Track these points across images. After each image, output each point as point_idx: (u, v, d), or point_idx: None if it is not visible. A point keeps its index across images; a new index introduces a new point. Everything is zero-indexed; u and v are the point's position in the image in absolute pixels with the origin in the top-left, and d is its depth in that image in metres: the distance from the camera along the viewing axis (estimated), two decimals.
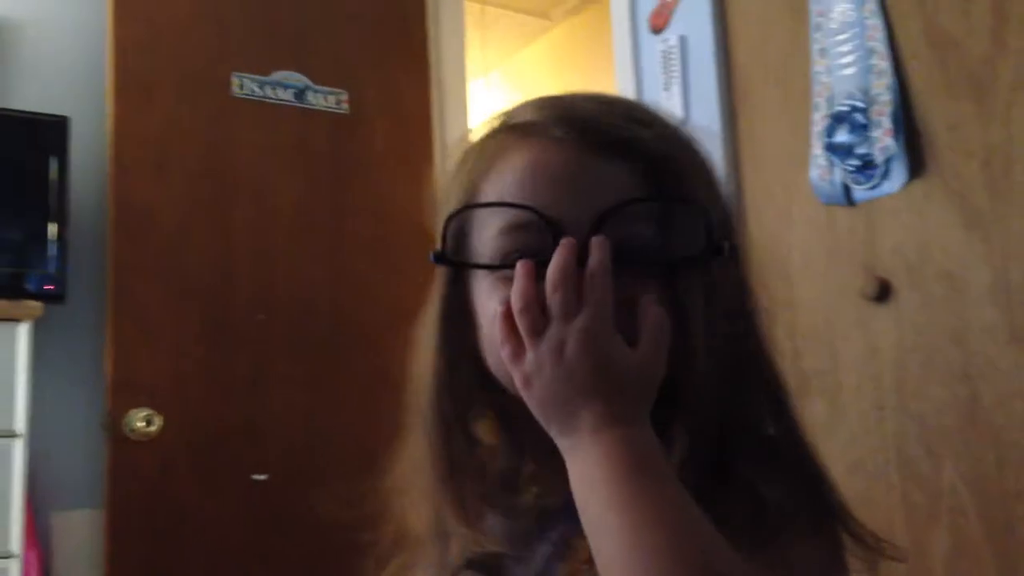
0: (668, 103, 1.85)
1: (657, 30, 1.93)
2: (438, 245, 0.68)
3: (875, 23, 1.48)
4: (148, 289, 2.16)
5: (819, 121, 1.55)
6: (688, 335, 0.62)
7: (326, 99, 2.46)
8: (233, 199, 2.30)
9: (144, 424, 2.08)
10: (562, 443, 0.59)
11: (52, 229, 2.09)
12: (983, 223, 1.33)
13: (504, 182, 0.65)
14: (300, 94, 2.43)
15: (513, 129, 0.67)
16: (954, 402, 1.34)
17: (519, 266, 0.61)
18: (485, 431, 0.71)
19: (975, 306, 1.33)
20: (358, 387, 2.35)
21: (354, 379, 2.35)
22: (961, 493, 1.32)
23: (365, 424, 2.33)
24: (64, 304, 2.11)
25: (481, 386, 0.68)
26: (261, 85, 2.38)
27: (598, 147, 0.63)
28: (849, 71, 1.51)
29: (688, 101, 1.84)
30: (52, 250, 2.08)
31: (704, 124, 1.73)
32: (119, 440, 2.07)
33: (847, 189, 1.51)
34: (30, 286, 2.03)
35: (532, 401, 0.60)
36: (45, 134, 2.15)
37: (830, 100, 1.53)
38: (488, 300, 0.65)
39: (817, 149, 1.55)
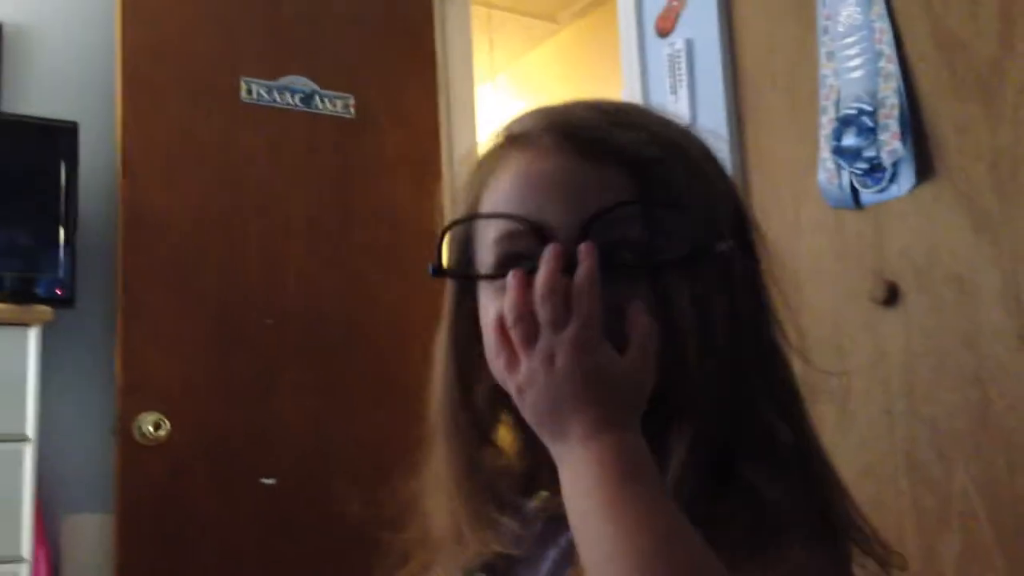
0: (675, 107, 1.85)
1: (664, 33, 1.93)
2: (438, 257, 0.70)
3: (882, 26, 1.48)
4: (157, 293, 2.17)
5: (826, 124, 1.55)
6: (678, 339, 0.62)
7: (333, 103, 2.47)
8: (241, 203, 2.31)
9: (154, 428, 2.09)
10: (554, 450, 0.60)
11: (62, 234, 2.10)
12: (992, 225, 1.33)
13: (500, 192, 0.66)
14: (308, 99, 2.43)
15: (510, 140, 0.69)
16: (964, 406, 1.34)
17: (510, 277, 0.62)
18: (503, 436, 0.71)
19: (985, 309, 1.33)
20: (366, 392, 2.35)
21: (362, 384, 2.36)
22: (972, 497, 1.32)
23: (373, 428, 2.33)
24: (74, 308, 2.12)
25: (494, 392, 0.68)
26: (269, 90, 2.38)
27: (586, 153, 0.64)
28: (856, 74, 1.51)
29: (695, 105, 1.84)
30: (62, 255, 2.09)
31: (711, 128, 1.72)
32: (129, 444, 2.08)
33: (855, 192, 1.51)
34: (40, 291, 2.04)
35: (526, 409, 0.61)
36: (55, 139, 2.16)
37: (837, 103, 1.53)
38: (488, 309, 0.66)
39: (825, 152, 1.55)
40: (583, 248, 0.60)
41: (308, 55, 2.45)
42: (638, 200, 0.63)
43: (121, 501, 2.07)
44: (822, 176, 1.55)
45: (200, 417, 2.17)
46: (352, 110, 2.49)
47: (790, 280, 0.70)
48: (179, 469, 2.12)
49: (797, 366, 0.69)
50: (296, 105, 2.42)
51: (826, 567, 0.60)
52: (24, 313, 1.92)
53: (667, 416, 0.63)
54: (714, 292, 0.64)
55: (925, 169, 1.41)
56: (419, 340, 2.63)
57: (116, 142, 2.21)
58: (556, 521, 0.68)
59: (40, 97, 2.31)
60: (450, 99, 2.70)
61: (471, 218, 0.69)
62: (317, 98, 2.45)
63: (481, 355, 0.68)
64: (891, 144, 1.44)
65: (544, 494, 0.70)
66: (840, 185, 1.52)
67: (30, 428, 1.87)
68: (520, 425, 0.70)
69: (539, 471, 0.70)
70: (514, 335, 0.61)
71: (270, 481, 2.20)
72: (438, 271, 0.70)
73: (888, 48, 1.46)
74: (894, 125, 1.44)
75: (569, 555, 0.66)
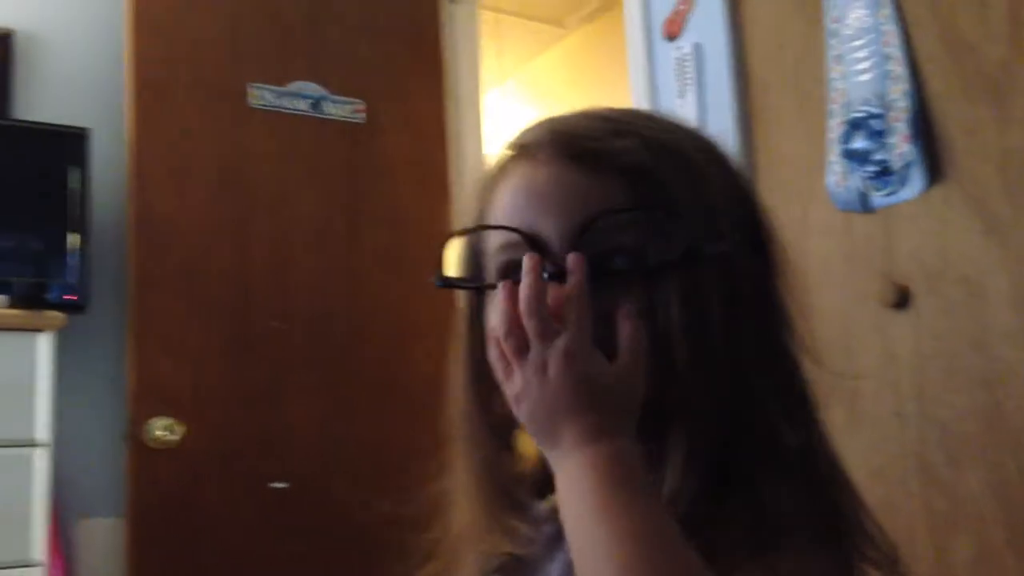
0: (683, 110, 1.85)
1: (671, 37, 1.93)
2: (445, 268, 0.71)
3: (891, 28, 1.48)
4: (168, 298, 2.17)
5: (835, 127, 1.55)
6: (669, 344, 0.63)
7: (342, 109, 2.47)
8: (250, 209, 2.32)
9: (165, 433, 2.10)
10: (550, 457, 0.61)
11: (73, 240, 2.11)
12: (1001, 228, 1.33)
13: (501, 203, 0.68)
14: (316, 104, 2.44)
15: (514, 151, 0.70)
16: (975, 408, 1.33)
17: (500, 289, 0.63)
18: (526, 439, 0.72)
19: (995, 312, 1.32)
20: (374, 395, 2.36)
21: (370, 387, 2.36)
22: (983, 499, 1.31)
23: (381, 431, 2.34)
24: (85, 314, 2.13)
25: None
26: (278, 95, 2.39)
27: (581, 162, 0.65)
28: (865, 77, 1.51)
29: (703, 108, 1.84)
30: (73, 260, 2.10)
31: (719, 131, 1.73)
32: (140, 449, 2.08)
33: (864, 195, 1.51)
34: (52, 296, 2.05)
35: (522, 418, 0.62)
36: (66, 146, 2.17)
37: (846, 106, 1.53)
38: (491, 317, 0.67)
39: (833, 155, 1.55)
40: (571, 259, 0.62)
41: (317, 61, 2.46)
42: (628, 207, 0.64)
43: (133, 505, 2.07)
44: (831, 179, 1.55)
45: (211, 421, 2.17)
46: (360, 115, 2.50)
47: (799, 283, 0.70)
48: (190, 473, 2.12)
49: (810, 369, 0.69)
50: (305, 110, 2.43)
51: (828, 570, 0.60)
52: (36, 319, 1.93)
53: (665, 420, 0.64)
54: (711, 295, 0.64)
55: (934, 172, 1.41)
56: (426, 344, 2.65)
57: (126, 148, 2.22)
58: None
59: (51, 104, 2.32)
60: (458, 104, 2.70)
61: (471, 230, 0.71)
62: (326, 103, 2.45)
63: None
64: (900, 147, 1.44)
65: (554, 497, 0.71)
66: (849, 188, 1.52)
67: (43, 433, 1.88)
68: None
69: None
70: (506, 347, 0.62)
71: (281, 485, 2.21)
72: (443, 281, 0.71)
73: (897, 51, 1.46)
74: (903, 128, 1.43)
75: None
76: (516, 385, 0.62)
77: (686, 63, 1.88)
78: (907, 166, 1.43)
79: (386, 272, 2.43)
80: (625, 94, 2.09)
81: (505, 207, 0.68)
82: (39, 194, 2.14)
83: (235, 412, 2.21)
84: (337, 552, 2.23)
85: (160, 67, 2.26)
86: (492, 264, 0.69)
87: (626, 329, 0.61)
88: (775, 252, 0.70)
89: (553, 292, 0.62)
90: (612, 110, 0.71)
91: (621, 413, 0.60)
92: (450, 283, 0.72)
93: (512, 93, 3.93)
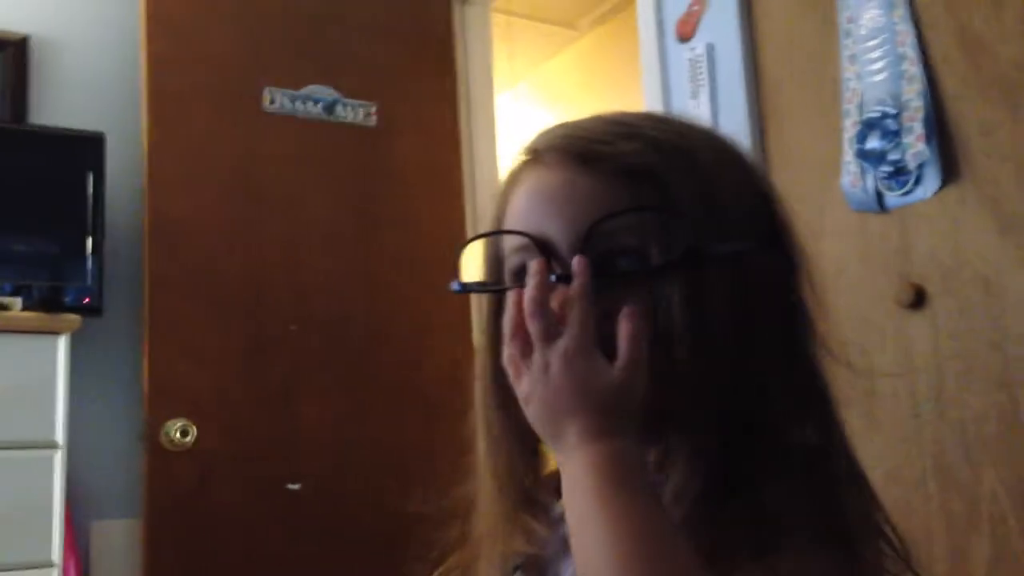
0: (696, 112, 1.85)
1: (684, 38, 1.93)
2: (462, 273, 0.73)
3: (905, 28, 1.47)
4: (183, 301, 2.19)
5: (850, 128, 1.54)
6: (672, 344, 0.63)
7: (355, 112, 2.48)
8: (264, 212, 2.33)
9: (181, 435, 2.11)
10: (556, 456, 0.62)
11: (89, 243, 2.12)
12: (1018, 227, 1.32)
13: (515, 206, 0.70)
14: (330, 107, 2.45)
15: (528, 155, 0.72)
16: (992, 409, 1.33)
17: (509, 295, 0.66)
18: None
19: (1012, 312, 1.32)
20: (388, 397, 2.36)
21: (384, 389, 2.37)
22: (1001, 500, 1.30)
23: (396, 433, 2.34)
24: (101, 317, 2.15)
25: None
26: (292, 99, 2.40)
27: (588, 166, 0.66)
28: (879, 77, 1.50)
29: (716, 109, 1.83)
30: (89, 264, 2.12)
31: (732, 132, 1.72)
32: (156, 450, 2.10)
33: (879, 195, 1.50)
34: (68, 299, 2.07)
35: (530, 418, 0.63)
36: (81, 150, 2.19)
37: (860, 106, 1.53)
38: (506, 319, 0.68)
39: (848, 156, 1.54)
40: (576, 262, 0.63)
41: (330, 64, 2.47)
42: (632, 208, 0.64)
43: (149, 507, 2.08)
44: (846, 179, 1.55)
45: (226, 423, 2.18)
46: (374, 119, 2.50)
47: (819, 281, 0.70)
48: (206, 475, 2.13)
49: (830, 367, 0.69)
50: (318, 114, 2.44)
51: (829, 570, 0.59)
52: (53, 322, 1.94)
53: (669, 420, 0.65)
54: (717, 294, 0.64)
55: (950, 171, 1.40)
56: (439, 345, 2.66)
57: (142, 152, 2.23)
58: None
59: (67, 108, 2.34)
60: (470, 107, 2.71)
61: (483, 235, 0.73)
62: (339, 107, 2.46)
63: None
64: (915, 147, 1.43)
65: None
66: (864, 188, 1.52)
67: (59, 435, 1.89)
68: None
69: None
70: (513, 349, 0.64)
71: (296, 486, 2.21)
72: (460, 286, 0.73)
73: (911, 50, 1.46)
74: (918, 127, 1.43)
75: None
76: (524, 386, 0.63)
77: (699, 64, 1.88)
78: (922, 166, 1.43)
79: (399, 274, 2.44)
80: (638, 96, 2.08)
81: (518, 211, 0.69)
82: (55, 198, 2.16)
83: (250, 414, 2.21)
84: (352, 553, 2.23)
85: (175, 72, 2.27)
86: (508, 266, 0.70)
87: (626, 329, 0.62)
88: (794, 251, 0.70)
89: (560, 294, 0.63)
90: (625, 114, 0.72)
91: (621, 413, 0.61)
92: (466, 288, 0.73)
93: (524, 96, 3.93)
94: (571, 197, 0.66)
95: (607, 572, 0.55)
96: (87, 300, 2.09)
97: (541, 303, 0.62)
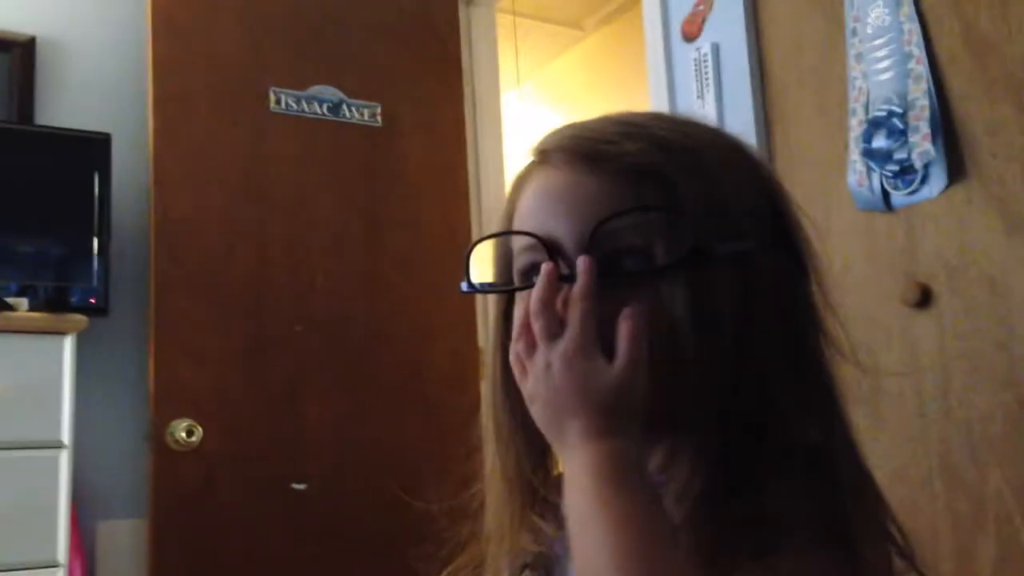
0: (701, 111, 1.85)
1: (690, 38, 1.93)
2: (470, 273, 0.74)
3: (912, 27, 1.47)
4: (189, 301, 2.19)
5: (856, 127, 1.54)
6: (676, 343, 0.63)
7: (361, 112, 2.48)
8: (270, 213, 2.33)
9: (186, 435, 2.11)
10: (559, 454, 0.63)
11: (95, 244, 2.13)
12: None
13: (524, 207, 0.71)
14: (335, 108, 2.45)
15: (536, 156, 0.72)
16: (998, 408, 1.32)
17: (518, 298, 0.68)
18: None
19: (1018, 311, 1.31)
20: (392, 398, 2.37)
21: (388, 390, 2.37)
22: (1007, 500, 1.30)
23: (399, 434, 2.34)
24: (107, 317, 2.15)
25: None
26: (297, 100, 2.41)
27: (593, 166, 0.67)
28: (886, 76, 1.50)
29: (722, 109, 1.83)
30: (95, 264, 2.12)
31: (738, 132, 1.72)
32: (162, 451, 2.10)
33: (886, 195, 1.50)
34: (74, 300, 2.08)
35: (534, 417, 0.64)
36: (87, 150, 2.19)
37: (867, 105, 1.52)
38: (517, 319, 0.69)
39: (854, 155, 1.54)
40: (580, 262, 0.63)
41: (336, 65, 2.47)
42: (637, 208, 0.65)
43: (154, 507, 2.09)
44: (852, 178, 1.54)
45: (232, 424, 2.19)
46: (379, 119, 2.50)
47: (828, 279, 0.70)
48: (211, 475, 2.14)
49: (839, 366, 0.69)
50: (324, 114, 2.44)
51: (829, 570, 0.59)
52: (59, 322, 1.95)
53: (674, 418, 0.65)
54: (721, 293, 0.64)
55: (956, 171, 1.40)
56: (444, 346, 2.66)
57: (148, 153, 2.24)
58: None
59: (73, 109, 2.35)
60: (476, 107, 2.71)
61: (490, 236, 0.74)
62: (345, 107, 2.46)
63: None
64: (922, 146, 1.43)
65: None
66: (870, 187, 1.51)
67: (65, 435, 1.90)
68: None
69: None
70: (520, 348, 0.65)
71: (301, 486, 2.22)
72: (469, 286, 0.74)
73: (918, 49, 1.45)
74: (925, 127, 1.42)
75: None
76: (528, 386, 0.64)
77: (704, 64, 1.87)
78: (928, 165, 1.42)
79: (404, 275, 2.44)
80: (644, 96, 2.08)
81: (526, 211, 0.70)
82: (62, 199, 2.16)
83: (255, 414, 2.22)
84: (356, 552, 2.23)
85: (181, 72, 2.28)
86: (516, 266, 0.71)
87: (625, 330, 0.62)
88: (802, 249, 0.70)
89: (565, 294, 0.63)
90: (632, 114, 0.72)
91: (621, 413, 0.61)
92: (475, 288, 0.74)
93: (530, 96, 3.93)
94: (577, 197, 0.67)
95: (604, 571, 0.55)
96: (93, 300, 2.10)
97: (546, 303, 0.63)
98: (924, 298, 1.42)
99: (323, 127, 2.43)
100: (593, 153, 0.67)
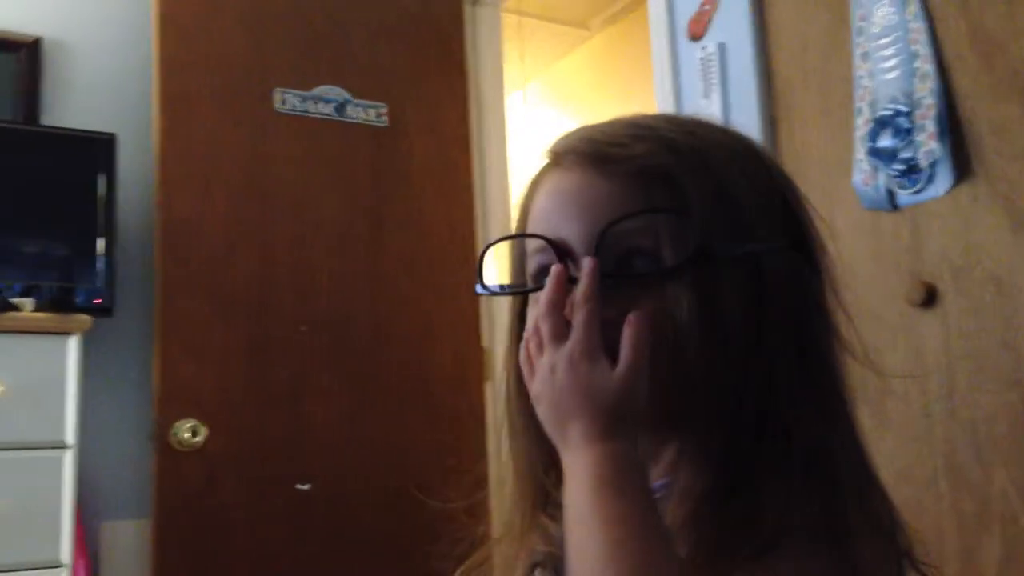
0: (707, 110, 1.84)
1: (696, 38, 1.93)
2: (484, 275, 0.75)
3: (918, 26, 1.46)
4: (193, 302, 2.19)
5: (862, 126, 1.53)
6: (682, 345, 0.63)
7: (366, 112, 2.48)
8: (275, 213, 2.33)
9: (190, 435, 2.11)
10: (561, 455, 0.64)
11: (100, 244, 2.13)
12: None
13: (537, 210, 0.71)
14: (340, 108, 2.45)
15: (549, 158, 0.73)
16: (1004, 408, 1.31)
17: (531, 299, 0.69)
18: None
19: None
20: (397, 397, 2.36)
21: (393, 389, 2.37)
22: (1012, 500, 1.29)
23: (404, 433, 2.34)
24: (112, 317, 2.15)
25: None
26: (302, 100, 2.41)
27: (603, 168, 0.67)
28: (892, 75, 1.49)
29: (728, 108, 1.83)
30: (100, 264, 2.12)
31: (744, 131, 1.71)
32: (166, 451, 2.10)
33: (891, 194, 1.49)
34: (79, 300, 2.08)
35: (540, 417, 0.65)
36: (93, 151, 2.19)
37: (873, 104, 1.52)
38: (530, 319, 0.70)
39: (860, 154, 1.53)
40: (585, 264, 0.64)
41: (341, 65, 2.48)
42: (645, 210, 0.65)
43: (158, 507, 2.09)
44: (857, 178, 1.54)
45: (236, 424, 2.19)
46: (384, 119, 2.50)
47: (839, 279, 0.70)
48: (215, 475, 2.14)
49: (850, 366, 0.69)
50: (328, 115, 2.44)
51: (827, 570, 0.59)
52: (64, 322, 1.95)
53: (679, 419, 0.66)
54: (728, 294, 0.64)
55: (962, 170, 1.39)
56: (448, 346, 2.65)
57: (153, 153, 2.24)
58: None
59: (78, 110, 2.35)
60: (481, 107, 2.71)
61: (503, 239, 0.74)
62: (349, 107, 2.46)
63: None
64: (928, 145, 1.42)
65: None
66: (876, 186, 1.51)
67: (70, 435, 1.90)
68: None
69: None
70: (529, 349, 0.66)
71: (305, 487, 2.22)
72: (483, 288, 0.75)
73: (924, 48, 1.45)
74: (931, 126, 1.42)
75: None
76: (535, 386, 0.65)
77: (710, 63, 1.87)
78: (934, 164, 1.42)
79: (408, 275, 2.44)
80: (650, 95, 2.08)
81: (539, 213, 0.70)
82: (67, 199, 2.17)
83: (260, 415, 2.22)
84: (359, 552, 2.23)
85: (186, 73, 2.28)
86: (528, 268, 0.71)
87: (629, 334, 0.62)
88: (814, 248, 0.70)
89: (573, 296, 0.64)
90: (643, 116, 0.73)
91: (622, 416, 0.61)
92: (489, 290, 0.75)
93: (536, 96, 3.93)
94: (587, 199, 0.67)
95: (594, 567, 0.56)
96: (98, 301, 2.10)
97: (554, 305, 0.64)
98: (929, 297, 1.42)
99: (327, 127, 2.43)
100: (603, 155, 0.67)
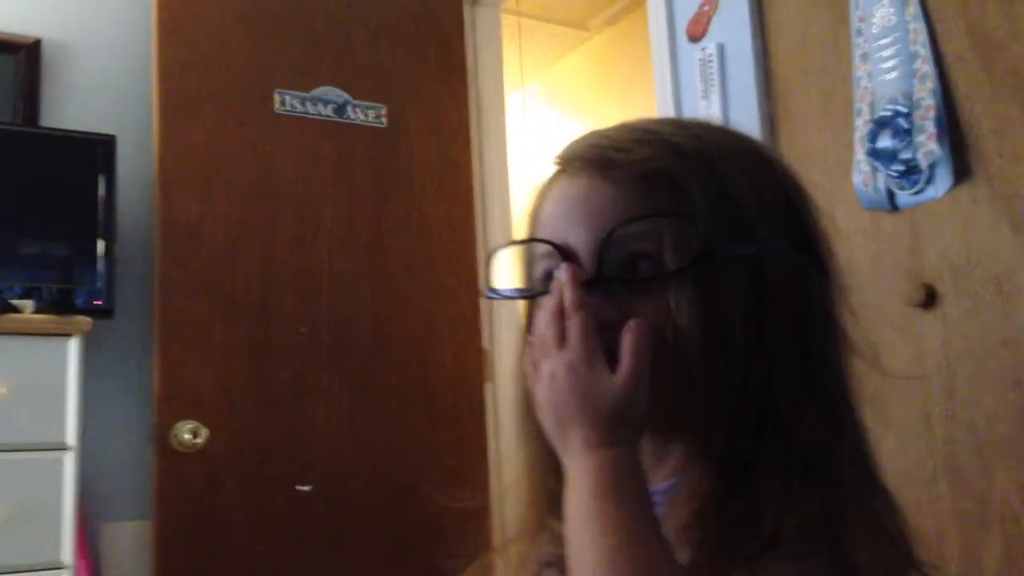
0: (707, 111, 1.84)
1: (695, 38, 1.93)
2: (492, 279, 0.75)
3: (917, 27, 1.46)
4: (193, 303, 2.19)
5: (861, 127, 1.53)
6: (684, 348, 0.64)
7: (365, 114, 2.48)
8: (275, 214, 2.33)
9: (191, 436, 2.11)
10: (562, 460, 0.65)
11: (100, 245, 2.13)
12: None
13: (545, 215, 0.72)
14: (340, 109, 2.45)
15: (557, 164, 0.73)
16: (1004, 409, 1.31)
17: (537, 305, 0.70)
18: None
19: None
20: (398, 398, 2.37)
21: (394, 390, 2.37)
22: (1012, 501, 1.29)
23: (404, 434, 2.34)
24: (112, 319, 2.15)
25: None
26: (302, 101, 2.41)
27: (607, 172, 0.68)
28: (891, 75, 1.50)
29: (727, 109, 1.83)
30: (101, 266, 2.12)
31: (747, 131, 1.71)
32: (166, 452, 2.10)
33: (891, 195, 1.49)
34: (79, 302, 2.08)
35: (542, 422, 0.66)
36: (93, 152, 2.19)
37: (872, 105, 1.52)
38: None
39: (860, 155, 1.53)
40: (565, 273, 0.65)
41: (341, 66, 2.48)
42: (648, 215, 0.65)
43: (159, 508, 2.09)
44: (857, 178, 1.54)
45: (237, 425, 2.19)
46: (384, 120, 2.51)
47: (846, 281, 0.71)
48: (216, 476, 2.14)
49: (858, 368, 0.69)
50: (329, 116, 2.44)
51: (826, 572, 0.59)
52: (64, 324, 1.95)
53: (681, 422, 0.66)
54: (730, 297, 0.64)
55: (962, 170, 1.40)
56: (449, 347, 2.65)
57: (153, 154, 2.24)
58: None
59: (78, 111, 2.35)
60: (480, 108, 2.71)
61: (511, 244, 0.75)
62: (349, 108, 2.47)
63: None
64: (927, 146, 1.42)
65: None
66: (875, 187, 1.51)
67: (71, 437, 1.90)
68: None
69: None
70: (534, 354, 0.67)
71: (306, 488, 2.22)
72: (492, 292, 0.76)
73: (923, 49, 1.45)
74: (930, 126, 1.42)
75: None
76: (538, 392, 0.66)
77: (710, 64, 1.87)
78: (934, 165, 1.42)
79: (409, 275, 2.44)
80: (649, 96, 2.08)
81: (547, 218, 0.71)
82: (67, 201, 2.17)
83: (259, 415, 2.22)
84: (361, 553, 2.23)
85: (185, 74, 2.28)
86: (535, 273, 0.72)
87: (628, 342, 0.63)
88: (819, 252, 0.70)
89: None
90: (648, 120, 0.73)
91: (621, 424, 0.62)
92: (496, 294, 0.75)
93: (535, 97, 3.93)
94: (593, 205, 0.68)
95: (591, 572, 0.57)
96: (98, 302, 2.10)
97: (557, 311, 0.65)
98: (929, 298, 1.42)
99: (328, 128, 2.43)
100: (608, 160, 0.68)
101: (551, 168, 0.74)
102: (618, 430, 0.62)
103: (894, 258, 1.49)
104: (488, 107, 2.73)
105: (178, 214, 2.21)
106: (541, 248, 0.71)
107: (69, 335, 1.94)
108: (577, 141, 0.73)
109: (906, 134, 1.45)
